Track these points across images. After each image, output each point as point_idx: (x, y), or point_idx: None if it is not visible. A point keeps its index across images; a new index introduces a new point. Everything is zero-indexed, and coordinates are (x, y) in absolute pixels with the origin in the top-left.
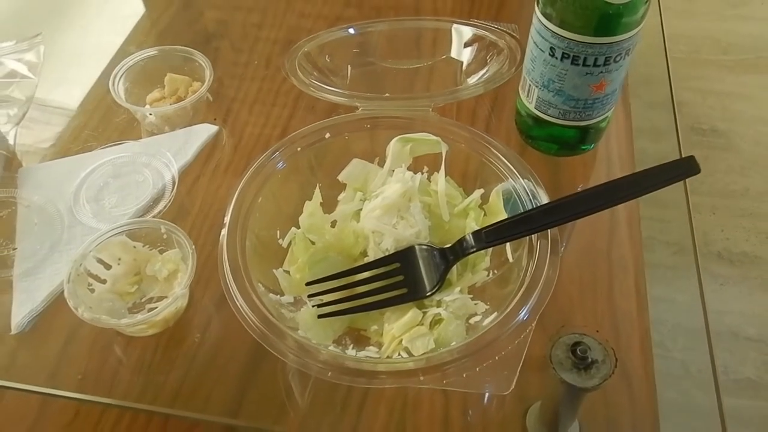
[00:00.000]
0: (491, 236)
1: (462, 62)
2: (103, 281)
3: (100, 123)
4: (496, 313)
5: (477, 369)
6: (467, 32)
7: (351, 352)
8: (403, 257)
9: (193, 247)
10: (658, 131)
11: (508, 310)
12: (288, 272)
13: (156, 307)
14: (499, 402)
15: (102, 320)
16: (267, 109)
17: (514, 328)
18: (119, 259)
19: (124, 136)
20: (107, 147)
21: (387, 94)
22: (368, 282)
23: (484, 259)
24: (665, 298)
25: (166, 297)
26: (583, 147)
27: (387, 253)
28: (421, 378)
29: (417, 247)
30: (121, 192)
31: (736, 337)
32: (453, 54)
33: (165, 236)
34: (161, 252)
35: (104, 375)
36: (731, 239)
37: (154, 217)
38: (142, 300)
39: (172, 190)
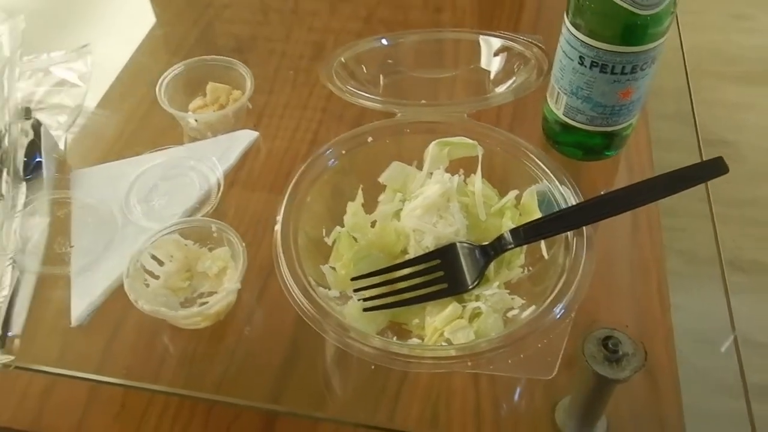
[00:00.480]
0: (529, 233)
1: (489, 72)
2: (157, 277)
3: (144, 129)
4: (534, 306)
5: (521, 355)
6: (495, 43)
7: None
8: (444, 254)
9: (243, 244)
10: (667, 142)
11: (549, 300)
12: (334, 268)
13: (207, 302)
14: (529, 396)
15: (161, 312)
16: (296, 120)
17: (555, 318)
18: (171, 256)
19: (167, 142)
20: (154, 151)
21: (423, 101)
22: (411, 277)
23: (519, 256)
24: (678, 306)
25: (215, 292)
26: (607, 153)
27: (428, 250)
28: (469, 363)
29: (458, 244)
30: (170, 194)
31: (746, 343)
32: (481, 64)
33: (215, 234)
34: (210, 250)
35: (150, 365)
36: (741, 248)
37: (201, 217)
38: (194, 295)
39: (218, 192)
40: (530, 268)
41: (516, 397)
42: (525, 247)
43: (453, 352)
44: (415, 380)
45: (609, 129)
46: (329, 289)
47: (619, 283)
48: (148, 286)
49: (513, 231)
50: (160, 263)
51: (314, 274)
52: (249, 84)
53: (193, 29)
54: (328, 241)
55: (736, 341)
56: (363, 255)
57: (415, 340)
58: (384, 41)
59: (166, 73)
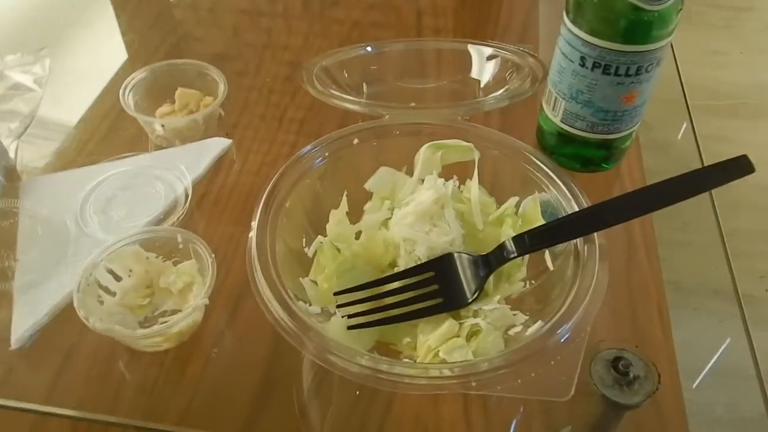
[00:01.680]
0: (535, 240)
1: (479, 81)
2: (113, 294)
3: (107, 137)
4: (540, 321)
5: (533, 375)
6: (485, 52)
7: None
8: (439, 265)
9: (213, 256)
10: (649, 172)
11: (560, 314)
12: (315, 282)
13: (169, 321)
14: (525, 427)
15: (115, 330)
16: (273, 131)
17: (567, 334)
18: (130, 270)
19: (131, 151)
20: (116, 159)
21: (413, 104)
22: (401, 291)
23: (520, 268)
24: None
25: (180, 311)
26: (605, 165)
27: (420, 262)
28: (473, 384)
29: (456, 254)
30: (131, 204)
31: (738, 374)
32: (470, 74)
33: (181, 246)
34: (175, 264)
35: (107, 393)
36: (726, 278)
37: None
38: (155, 314)
39: (185, 203)
40: (533, 282)
41: (511, 428)
42: (527, 258)
43: (449, 372)
44: (400, 411)
45: (610, 137)
46: (309, 304)
47: (617, 306)
48: (102, 303)
49: (516, 238)
50: (117, 278)
51: (293, 287)
52: (222, 88)
53: (164, 41)
54: (309, 252)
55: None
56: (347, 268)
57: (406, 362)
58: (369, 49)
59: (132, 76)
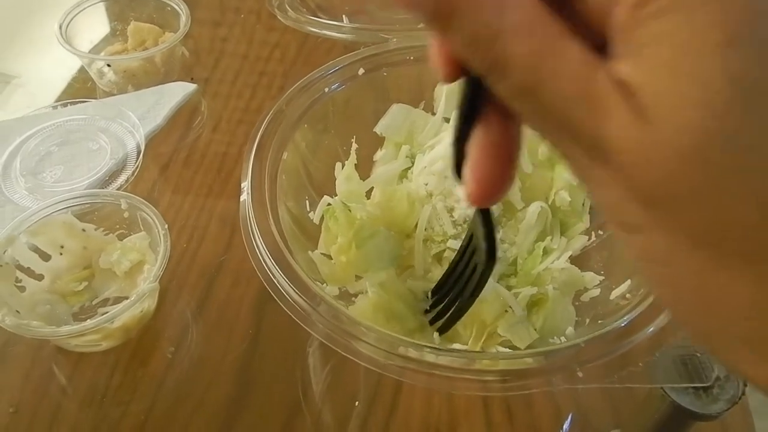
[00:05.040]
0: None
1: None
2: (39, 277)
3: (42, 81)
4: (629, 280)
5: (656, 354)
6: None
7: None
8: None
9: (166, 227)
10: None
11: None
12: (329, 256)
13: (113, 310)
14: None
15: (32, 329)
16: (256, 75)
17: None
18: (62, 246)
19: (73, 98)
20: (51, 107)
21: (421, 25)
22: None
23: (581, 218)
24: None
25: (127, 298)
26: None
27: (454, 219)
28: (580, 374)
29: None
30: (69, 163)
31: None
32: None
33: (126, 214)
34: (121, 238)
35: (44, 408)
36: None
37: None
38: (94, 302)
39: (137, 160)
40: (601, 232)
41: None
42: (587, 205)
43: (542, 359)
44: (407, 412)
45: None
46: (324, 284)
47: None
48: (23, 289)
49: None
50: (45, 257)
51: (302, 264)
52: (184, 21)
53: None
54: (315, 217)
55: None
56: (367, 234)
57: (457, 346)
58: None
59: (71, 7)
